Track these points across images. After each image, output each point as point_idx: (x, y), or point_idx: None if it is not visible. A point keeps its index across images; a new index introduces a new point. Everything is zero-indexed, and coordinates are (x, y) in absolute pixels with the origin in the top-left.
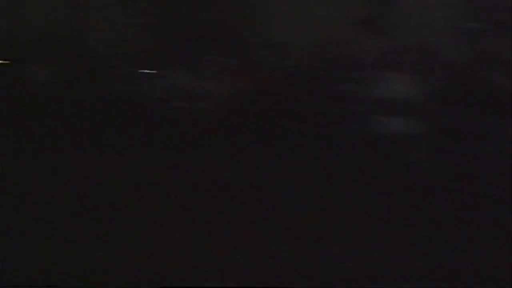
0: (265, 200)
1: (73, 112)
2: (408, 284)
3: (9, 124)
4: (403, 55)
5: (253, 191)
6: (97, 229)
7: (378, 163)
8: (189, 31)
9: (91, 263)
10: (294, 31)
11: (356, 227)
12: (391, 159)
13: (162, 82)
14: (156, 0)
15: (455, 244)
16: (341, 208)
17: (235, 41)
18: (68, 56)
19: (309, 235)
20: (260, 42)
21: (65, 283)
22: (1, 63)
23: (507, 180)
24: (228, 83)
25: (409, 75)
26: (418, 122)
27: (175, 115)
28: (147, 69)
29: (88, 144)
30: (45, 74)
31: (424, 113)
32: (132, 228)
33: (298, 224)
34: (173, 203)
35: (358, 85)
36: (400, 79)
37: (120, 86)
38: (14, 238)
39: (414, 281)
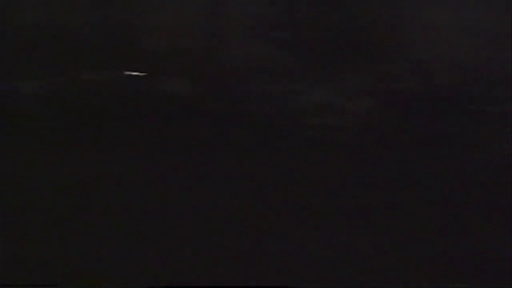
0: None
1: (209, 127)
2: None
3: (146, 136)
4: None
5: (385, 210)
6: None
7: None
8: (327, 47)
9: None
10: (433, 47)
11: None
12: None
13: (300, 98)
14: (294, 16)
15: None
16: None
17: (373, 57)
18: (205, 69)
19: None
20: (399, 59)
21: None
22: (139, 75)
23: None
24: (366, 100)
25: None
26: None
27: (314, 132)
28: (285, 85)
29: (226, 160)
30: (182, 87)
31: None
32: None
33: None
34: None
35: (499, 104)
36: None
37: (258, 101)
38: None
39: None
